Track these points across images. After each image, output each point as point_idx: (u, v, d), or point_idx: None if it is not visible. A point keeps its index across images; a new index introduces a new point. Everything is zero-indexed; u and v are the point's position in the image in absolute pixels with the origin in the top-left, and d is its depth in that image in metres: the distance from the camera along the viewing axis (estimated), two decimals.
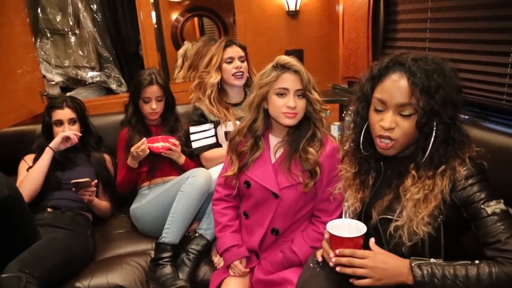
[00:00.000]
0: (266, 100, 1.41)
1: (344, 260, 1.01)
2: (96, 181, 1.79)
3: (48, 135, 1.89)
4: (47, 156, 1.81)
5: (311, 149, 1.38)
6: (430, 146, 1.00)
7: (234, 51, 1.95)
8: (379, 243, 1.06)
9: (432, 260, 0.98)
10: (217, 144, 1.97)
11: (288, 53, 2.64)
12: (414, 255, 1.00)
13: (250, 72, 2.02)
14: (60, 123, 1.88)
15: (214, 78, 1.93)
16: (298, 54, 2.65)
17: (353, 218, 1.13)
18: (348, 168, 1.20)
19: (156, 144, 1.88)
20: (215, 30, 3.27)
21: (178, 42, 3.18)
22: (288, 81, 1.36)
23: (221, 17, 3.21)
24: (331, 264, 1.05)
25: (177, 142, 1.90)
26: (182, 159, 1.96)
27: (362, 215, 1.15)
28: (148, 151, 1.85)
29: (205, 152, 1.95)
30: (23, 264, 1.36)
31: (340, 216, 1.42)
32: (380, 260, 0.99)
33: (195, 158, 2.02)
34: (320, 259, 1.16)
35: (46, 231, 1.64)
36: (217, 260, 1.67)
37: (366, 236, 1.04)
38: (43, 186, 1.79)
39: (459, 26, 1.78)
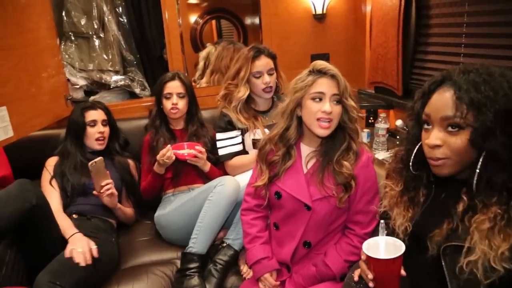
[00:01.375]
0: (300, 107, 1.36)
1: None
2: (108, 172, 1.74)
3: (78, 137, 1.87)
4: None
5: (345, 163, 1.33)
6: (478, 167, 0.90)
7: (263, 64, 1.87)
8: (436, 277, 0.98)
9: None
10: (244, 152, 1.93)
11: (314, 57, 2.59)
12: None
13: (279, 79, 1.96)
14: (94, 123, 1.88)
15: (243, 94, 1.88)
16: (325, 58, 2.59)
17: (403, 238, 1.06)
18: (393, 186, 1.13)
19: (181, 151, 1.85)
20: (233, 32, 3.25)
21: (197, 45, 3.16)
22: (325, 85, 1.31)
23: (240, 19, 3.18)
24: (370, 284, 1.01)
25: (203, 150, 1.87)
26: (207, 166, 1.92)
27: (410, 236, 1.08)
28: (174, 157, 1.82)
29: (230, 160, 1.90)
30: (54, 275, 1.34)
31: (375, 232, 1.37)
32: None
33: (220, 165, 1.99)
34: (356, 278, 1.10)
35: None
36: (246, 269, 1.64)
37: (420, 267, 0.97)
38: (68, 191, 1.77)
39: (497, 31, 1.70)
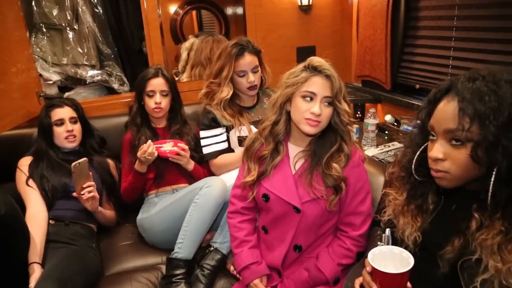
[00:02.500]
0: (290, 102, 1.30)
1: None
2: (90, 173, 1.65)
3: (47, 137, 1.77)
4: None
5: (335, 165, 1.27)
6: (491, 185, 0.84)
7: (247, 63, 1.77)
8: None
9: None
10: (229, 150, 1.86)
11: (300, 50, 2.53)
12: None
13: (264, 72, 1.88)
14: (61, 122, 1.77)
15: (226, 94, 1.79)
16: (310, 51, 2.54)
17: (414, 249, 1.01)
18: (397, 195, 1.08)
19: (163, 148, 1.75)
20: (215, 24, 3.16)
21: (178, 37, 3.06)
22: (318, 85, 1.24)
23: (221, 10, 3.09)
24: None
25: (186, 147, 1.78)
26: (191, 165, 1.84)
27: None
28: (156, 153, 1.73)
29: (215, 159, 1.83)
30: (59, 286, 1.29)
31: (375, 239, 1.32)
32: None
33: (205, 164, 1.91)
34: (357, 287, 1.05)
35: (53, 247, 1.54)
36: (233, 269, 1.58)
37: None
38: (49, 192, 1.67)
39: (488, 24, 1.66)
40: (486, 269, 0.84)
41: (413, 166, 1.00)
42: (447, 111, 0.87)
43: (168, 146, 1.77)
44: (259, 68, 1.82)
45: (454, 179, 0.90)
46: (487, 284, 0.84)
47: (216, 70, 1.81)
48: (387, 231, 1.05)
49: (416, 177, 1.01)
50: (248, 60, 1.77)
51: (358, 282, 1.06)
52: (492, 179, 0.83)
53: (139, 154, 1.71)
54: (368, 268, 0.98)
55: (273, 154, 1.36)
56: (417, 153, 0.99)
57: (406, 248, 0.98)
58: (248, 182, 1.37)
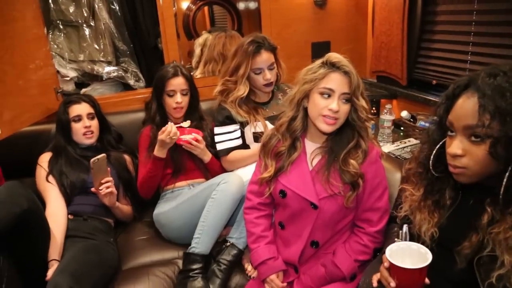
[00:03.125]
0: (307, 98, 1.29)
1: None
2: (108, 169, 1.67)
3: (66, 133, 1.80)
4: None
5: (352, 161, 1.26)
6: (505, 180, 0.84)
7: (264, 60, 1.76)
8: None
9: None
10: (243, 146, 1.86)
11: (314, 45, 2.51)
12: None
13: (279, 69, 1.88)
14: (79, 118, 1.79)
15: (243, 92, 1.78)
16: (325, 46, 2.52)
17: (431, 245, 1.01)
18: (414, 190, 1.07)
19: (180, 137, 1.76)
20: (227, 19, 3.14)
21: (190, 32, 3.06)
22: (336, 81, 1.23)
23: (234, 4, 3.07)
24: None
25: (200, 138, 1.79)
26: (207, 156, 1.85)
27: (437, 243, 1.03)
28: (178, 133, 1.73)
29: (226, 156, 1.83)
30: (73, 279, 1.30)
31: (387, 231, 1.32)
32: None
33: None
34: (375, 284, 1.05)
35: (71, 241, 1.56)
36: (250, 268, 1.59)
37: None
38: (68, 188, 1.70)
39: (508, 19, 1.63)
40: (503, 265, 0.84)
41: (430, 162, 1.00)
42: (467, 107, 0.87)
43: (184, 136, 1.77)
44: (275, 65, 1.81)
45: (472, 175, 0.90)
46: (504, 279, 0.84)
47: (232, 68, 1.80)
48: (405, 227, 1.04)
49: (434, 173, 1.01)
50: (265, 57, 1.76)
51: (376, 278, 1.06)
52: (507, 174, 0.84)
53: (162, 136, 1.69)
54: (386, 264, 0.98)
55: (290, 150, 1.36)
56: (435, 149, 0.99)
57: (423, 244, 0.98)
58: (265, 178, 1.37)
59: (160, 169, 1.81)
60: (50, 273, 1.38)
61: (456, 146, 0.89)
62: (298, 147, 1.36)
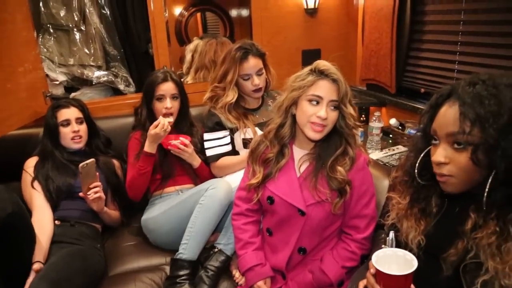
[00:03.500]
0: (295, 105, 1.30)
1: None
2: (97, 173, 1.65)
3: (53, 138, 1.78)
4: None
5: (340, 168, 1.27)
6: (488, 185, 0.86)
7: (251, 66, 1.76)
8: None
9: None
10: (233, 152, 1.86)
11: (305, 53, 2.53)
12: None
13: (268, 75, 1.88)
14: (67, 123, 1.77)
15: (231, 98, 1.79)
16: (316, 53, 2.54)
17: (418, 252, 1.01)
18: (400, 199, 1.09)
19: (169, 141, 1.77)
20: (219, 26, 3.17)
21: (182, 38, 3.07)
22: (324, 89, 1.24)
23: (226, 12, 3.10)
24: None
25: (187, 142, 1.78)
26: (196, 161, 1.84)
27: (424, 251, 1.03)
28: (169, 128, 1.73)
29: (216, 162, 1.83)
30: (52, 285, 1.27)
31: (379, 242, 1.32)
32: None
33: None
34: None
35: (57, 247, 1.53)
36: (238, 275, 1.58)
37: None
38: (53, 193, 1.67)
39: (494, 29, 1.67)
40: (487, 271, 0.85)
41: (416, 170, 1.01)
42: (448, 115, 0.89)
43: (172, 141, 1.77)
44: (263, 71, 1.82)
45: (458, 183, 0.91)
46: (488, 285, 0.85)
47: (220, 75, 1.81)
48: (391, 233, 1.05)
49: (419, 181, 1.02)
50: (252, 63, 1.77)
51: (362, 284, 1.06)
52: (490, 179, 0.85)
53: (157, 130, 1.69)
54: (372, 270, 0.98)
55: (278, 157, 1.36)
56: (420, 157, 1.00)
57: (410, 251, 0.98)
58: (253, 184, 1.38)
59: (150, 165, 1.78)
60: (30, 279, 1.36)
61: (439, 154, 0.91)
62: (286, 153, 1.36)
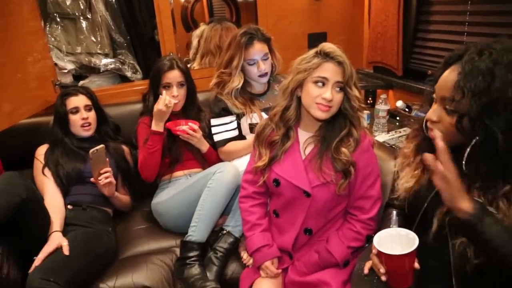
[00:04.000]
0: (301, 87, 1.31)
1: None
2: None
3: (63, 125, 1.81)
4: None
5: (344, 149, 1.29)
6: (468, 150, 0.91)
7: (257, 51, 1.77)
8: (440, 259, 0.97)
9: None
10: (240, 137, 1.88)
11: (311, 36, 2.51)
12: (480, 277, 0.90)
13: (274, 59, 1.88)
14: (76, 110, 1.81)
15: (237, 83, 1.80)
16: (322, 37, 2.52)
17: (405, 197, 1.05)
18: (408, 144, 1.13)
19: (177, 127, 1.79)
20: (225, 11, 3.15)
21: (189, 24, 3.05)
22: (329, 71, 1.25)
23: None
24: (383, 278, 1.00)
25: (196, 127, 1.81)
26: (205, 146, 1.87)
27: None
28: (173, 102, 1.77)
29: (223, 147, 1.85)
30: (47, 272, 1.30)
31: (379, 217, 1.34)
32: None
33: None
34: (366, 271, 1.08)
35: (65, 230, 1.57)
36: (246, 256, 1.61)
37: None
38: (64, 179, 1.72)
39: (503, 8, 1.64)
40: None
41: (424, 121, 1.05)
42: (447, 79, 0.94)
43: (180, 126, 1.80)
44: (269, 56, 1.82)
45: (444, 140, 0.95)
46: (464, 245, 0.91)
47: (226, 60, 1.82)
48: (394, 213, 1.07)
49: (426, 133, 1.05)
50: (258, 48, 1.77)
51: (367, 265, 1.09)
52: (469, 148, 0.91)
53: (159, 105, 1.72)
54: (374, 251, 1.01)
55: (283, 140, 1.38)
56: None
57: (398, 196, 1.05)
58: (260, 167, 1.40)
59: (159, 143, 1.80)
60: (42, 252, 1.40)
61: (432, 112, 0.97)
62: (291, 136, 1.38)
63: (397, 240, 0.99)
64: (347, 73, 1.25)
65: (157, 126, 1.77)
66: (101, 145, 1.62)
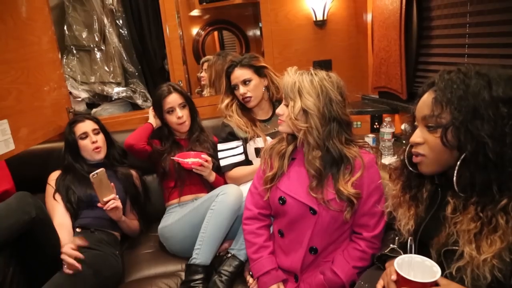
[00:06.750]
0: None
1: None
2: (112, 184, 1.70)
3: (73, 152, 1.87)
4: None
5: (345, 185, 1.29)
6: (457, 167, 0.91)
7: (236, 77, 1.88)
8: None
9: None
10: (246, 162, 1.90)
11: (316, 63, 2.58)
12: None
13: (271, 85, 1.94)
14: (85, 135, 1.87)
15: (221, 103, 1.95)
16: (327, 64, 2.58)
17: (407, 238, 1.03)
18: (393, 185, 1.13)
19: (187, 160, 1.82)
20: (236, 43, 3.27)
21: (199, 56, 3.17)
22: None
23: (241, 29, 3.20)
24: None
25: (209, 158, 1.85)
26: (213, 176, 1.90)
27: (417, 239, 1.04)
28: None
29: (230, 171, 1.88)
30: None
31: (389, 241, 1.31)
32: None
33: (222, 174, 1.96)
34: None
35: None
36: (252, 280, 1.59)
37: None
38: (74, 204, 1.75)
39: (501, 30, 1.66)
40: (461, 256, 0.89)
41: (406, 157, 1.07)
42: (425, 100, 0.96)
43: (191, 159, 1.84)
44: (252, 81, 1.87)
45: (431, 164, 0.97)
46: (461, 271, 0.88)
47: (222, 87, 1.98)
48: (410, 239, 1.05)
49: (410, 168, 1.06)
50: (237, 74, 1.88)
51: (379, 286, 1.06)
52: (459, 162, 0.90)
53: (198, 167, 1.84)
54: (394, 277, 0.96)
55: (291, 154, 1.41)
56: (409, 145, 1.05)
57: (402, 239, 1.03)
58: (269, 176, 1.42)
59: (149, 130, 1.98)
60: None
61: (416, 134, 0.98)
62: (298, 152, 1.40)
63: (417, 268, 0.96)
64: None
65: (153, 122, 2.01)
66: (101, 169, 1.64)
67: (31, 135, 1.89)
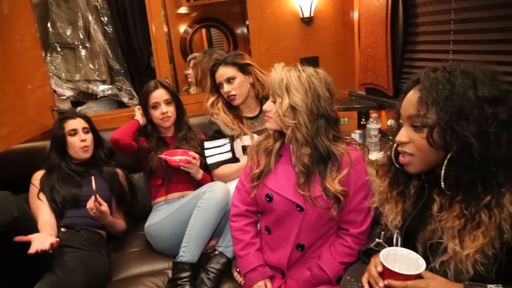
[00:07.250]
0: None
1: None
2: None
3: (60, 149, 1.83)
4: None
5: (332, 183, 1.28)
6: (444, 167, 0.91)
7: (220, 75, 1.87)
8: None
9: (489, 286, 0.86)
10: (233, 160, 1.90)
11: (303, 60, 2.58)
12: None
13: (256, 83, 1.92)
14: (74, 132, 1.84)
15: (207, 101, 1.95)
16: (314, 61, 2.59)
17: (395, 233, 1.03)
18: (380, 182, 1.13)
19: (174, 157, 1.81)
20: (223, 40, 3.25)
21: (187, 54, 3.15)
22: None
23: (229, 27, 3.19)
24: None
25: (197, 156, 1.84)
26: (200, 174, 1.89)
27: (402, 233, 1.05)
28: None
29: (216, 169, 1.88)
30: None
31: (375, 236, 1.32)
32: None
33: (210, 172, 1.95)
34: (366, 286, 1.05)
35: (60, 252, 1.55)
36: (239, 277, 1.58)
37: None
38: (59, 203, 1.72)
39: (485, 26, 1.68)
40: (445, 251, 0.90)
41: (393, 154, 1.06)
42: (411, 99, 0.95)
43: (178, 156, 1.82)
44: (236, 78, 1.87)
45: (418, 163, 0.97)
46: (445, 265, 0.90)
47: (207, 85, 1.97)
48: (397, 232, 1.06)
49: (396, 164, 1.06)
50: (221, 72, 1.87)
51: (365, 279, 1.06)
52: (445, 162, 0.91)
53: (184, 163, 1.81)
54: (379, 268, 0.98)
55: (278, 151, 1.40)
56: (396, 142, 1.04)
57: (389, 234, 1.03)
58: (256, 173, 1.41)
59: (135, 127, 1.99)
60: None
61: (401, 134, 0.97)
62: (284, 149, 1.40)
63: (403, 261, 0.97)
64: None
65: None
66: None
67: (14, 134, 1.86)
